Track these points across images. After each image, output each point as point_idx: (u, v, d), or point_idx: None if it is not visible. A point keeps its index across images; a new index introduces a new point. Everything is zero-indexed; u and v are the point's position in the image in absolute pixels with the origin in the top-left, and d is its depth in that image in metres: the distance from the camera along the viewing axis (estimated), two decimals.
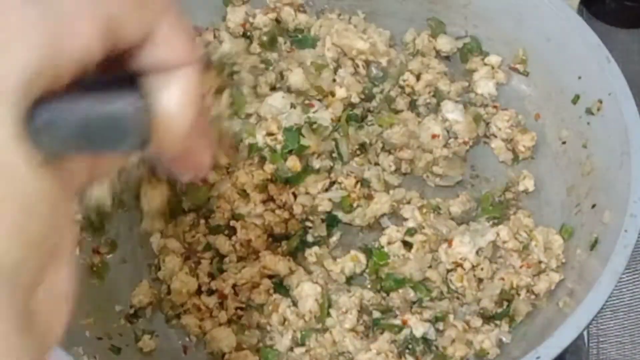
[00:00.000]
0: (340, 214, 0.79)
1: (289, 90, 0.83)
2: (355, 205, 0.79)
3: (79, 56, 0.26)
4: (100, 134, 0.27)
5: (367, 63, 0.85)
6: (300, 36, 0.89)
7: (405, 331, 0.71)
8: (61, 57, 0.25)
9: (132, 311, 0.75)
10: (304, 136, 0.80)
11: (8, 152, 0.24)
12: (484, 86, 0.86)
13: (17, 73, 0.24)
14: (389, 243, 0.76)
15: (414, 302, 0.74)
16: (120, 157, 0.32)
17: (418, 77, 0.86)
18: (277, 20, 0.89)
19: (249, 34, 0.89)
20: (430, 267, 0.75)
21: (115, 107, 0.27)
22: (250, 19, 0.89)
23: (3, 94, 0.24)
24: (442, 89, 0.85)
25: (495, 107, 0.85)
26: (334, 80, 0.84)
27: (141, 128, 0.28)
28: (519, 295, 0.73)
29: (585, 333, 0.79)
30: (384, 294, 0.75)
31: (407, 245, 0.76)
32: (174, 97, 0.29)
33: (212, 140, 0.33)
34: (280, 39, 0.88)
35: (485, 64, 0.87)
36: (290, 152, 0.79)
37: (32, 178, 0.25)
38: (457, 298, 0.75)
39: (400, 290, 0.74)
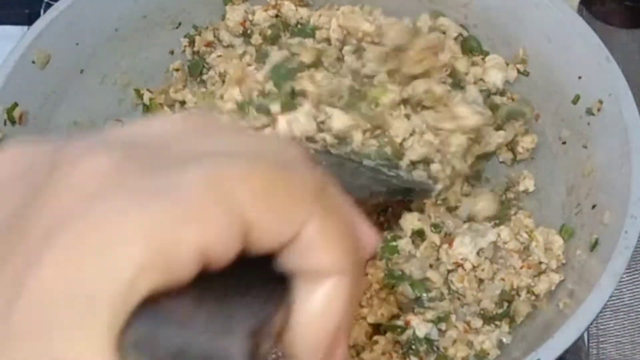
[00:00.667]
0: None
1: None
2: None
3: (197, 260, 0.22)
4: None
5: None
6: (300, 26, 0.88)
7: (408, 332, 0.71)
8: (176, 262, 0.22)
9: None
10: None
11: None
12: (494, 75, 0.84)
13: (118, 280, 0.21)
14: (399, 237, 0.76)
15: (414, 301, 0.74)
16: None
17: None
18: (277, 16, 0.89)
19: (249, 32, 0.89)
20: (431, 266, 0.75)
21: (217, 347, 0.24)
22: (250, 17, 0.89)
23: (99, 306, 0.21)
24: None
25: None
26: None
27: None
28: (519, 296, 0.73)
29: (585, 333, 0.79)
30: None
31: (414, 242, 0.76)
32: (314, 308, 0.25)
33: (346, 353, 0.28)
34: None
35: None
36: None
37: None
38: (458, 299, 0.75)
39: (400, 288, 0.74)
